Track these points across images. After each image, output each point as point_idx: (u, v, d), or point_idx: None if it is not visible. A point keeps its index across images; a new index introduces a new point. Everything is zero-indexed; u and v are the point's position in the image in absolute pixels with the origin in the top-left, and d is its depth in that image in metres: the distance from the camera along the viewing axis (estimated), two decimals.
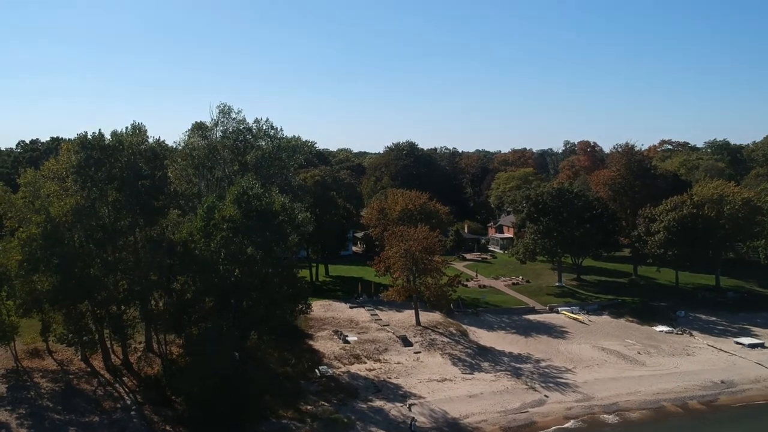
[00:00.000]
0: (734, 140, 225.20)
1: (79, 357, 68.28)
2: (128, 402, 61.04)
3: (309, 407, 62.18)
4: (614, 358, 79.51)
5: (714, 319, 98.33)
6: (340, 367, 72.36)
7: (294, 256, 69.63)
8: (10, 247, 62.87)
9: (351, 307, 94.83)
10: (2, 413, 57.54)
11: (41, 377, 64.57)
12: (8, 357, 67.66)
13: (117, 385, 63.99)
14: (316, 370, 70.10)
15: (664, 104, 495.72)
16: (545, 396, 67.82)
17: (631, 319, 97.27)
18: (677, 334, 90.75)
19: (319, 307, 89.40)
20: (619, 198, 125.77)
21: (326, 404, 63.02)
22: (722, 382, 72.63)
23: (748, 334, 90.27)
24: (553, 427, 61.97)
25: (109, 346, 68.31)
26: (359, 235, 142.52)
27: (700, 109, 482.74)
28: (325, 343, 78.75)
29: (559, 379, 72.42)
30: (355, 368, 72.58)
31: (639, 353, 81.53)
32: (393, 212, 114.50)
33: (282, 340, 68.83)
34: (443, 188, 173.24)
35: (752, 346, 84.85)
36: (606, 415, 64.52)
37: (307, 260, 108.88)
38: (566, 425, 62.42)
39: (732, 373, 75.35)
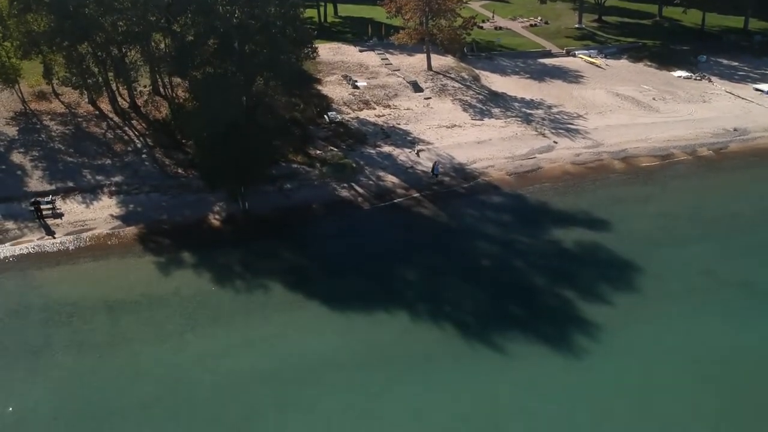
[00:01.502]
0: None
1: (86, 100, 67.83)
2: (139, 145, 61.67)
3: (318, 152, 62.74)
4: (628, 104, 78.14)
5: (736, 64, 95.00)
6: (349, 113, 71.75)
7: None
8: None
9: (360, 51, 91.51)
10: (16, 155, 58.62)
11: (50, 120, 64.75)
12: (15, 100, 67.40)
13: (126, 129, 64.29)
14: (325, 116, 69.65)
15: None
16: (554, 142, 67.71)
17: (649, 63, 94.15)
18: (696, 79, 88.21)
19: (327, 51, 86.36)
20: None
21: (335, 149, 63.43)
22: (735, 129, 71.82)
23: None
24: (559, 171, 62.58)
25: (114, 89, 67.40)
26: None
27: None
28: (333, 88, 77.36)
29: (569, 126, 71.84)
30: (364, 114, 71.97)
31: (654, 99, 79.90)
32: None
33: (289, 85, 67.25)
34: None
35: None
36: (613, 161, 64.88)
37: None
38: (572, 171, 62.99)
39: (746, 120, 74.23)
